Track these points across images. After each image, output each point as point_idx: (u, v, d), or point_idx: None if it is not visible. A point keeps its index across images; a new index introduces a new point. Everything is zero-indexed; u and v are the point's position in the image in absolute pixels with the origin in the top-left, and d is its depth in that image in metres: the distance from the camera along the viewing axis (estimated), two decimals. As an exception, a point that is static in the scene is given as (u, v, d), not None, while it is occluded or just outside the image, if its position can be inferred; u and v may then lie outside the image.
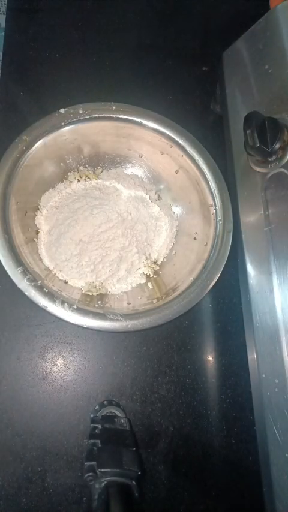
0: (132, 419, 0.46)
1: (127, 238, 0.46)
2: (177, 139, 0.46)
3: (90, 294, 0.45)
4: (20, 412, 0.44)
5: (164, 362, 0.49)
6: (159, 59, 0.62)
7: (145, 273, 0.48)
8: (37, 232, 0.46)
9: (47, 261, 0.45)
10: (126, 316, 0.39)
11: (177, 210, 0.51)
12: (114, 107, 0.45)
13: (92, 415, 0.43)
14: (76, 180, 0.49)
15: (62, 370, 0.46)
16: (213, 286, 0.41)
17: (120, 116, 0.46)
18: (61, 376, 0.46)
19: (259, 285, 0.39)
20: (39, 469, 0.42)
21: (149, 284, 0.48)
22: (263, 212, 0.40)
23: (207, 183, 0.46)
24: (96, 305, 0.42)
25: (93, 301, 0.43)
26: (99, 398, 0.46)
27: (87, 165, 0.50)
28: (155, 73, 0.61)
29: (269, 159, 0.39)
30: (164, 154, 0.49)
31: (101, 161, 0.50)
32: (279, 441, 0.34)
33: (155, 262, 0.49)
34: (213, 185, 0.46)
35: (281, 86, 0.39)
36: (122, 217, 0.46)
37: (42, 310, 0.37)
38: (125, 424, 0.41)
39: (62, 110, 0.44)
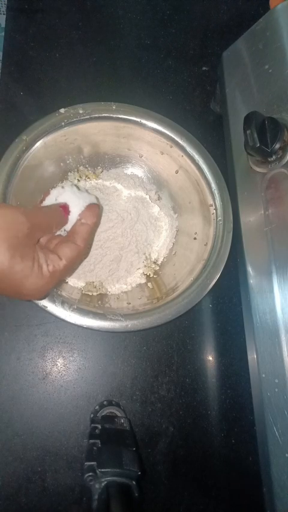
0: (132, 419, 0.46)
1: (127, 238, 0.46)
2: (177, 139, 0.46)
3: (90, 294, 0.45)
4: (20, 412, 0.44)
5: (164, 362, 0.49)
6: (159, 59, 0.62)
7: (145, 273, 0.48)
8: (37, 232, 0.46)
9: (47, 261, 0.45)
10: (126, 316, 0.39)
11: (177, 210, 0.51)
12: (114, 107, 0.45)
13: (92, 415, 0.44)
14: (76, 180, 0.49)
15: (62, 370, 0.46)
16: (213, 286, 0.41)
17: (120, 116, 0.46)
18: (61, 376, 0.46)
19: (259, 285, 0.39)
20: (39, 469, 0.42)
21: (149, 284, 0.48)
22: (263, 212, 0.40)
23: (207, 183, 0.46)
24: (96, 305, 0.42)
25: (93, 301, 0.43)
26: (99, 398, 0.46)
27: (87, 165, 0.50)
28: (155, 73, 0.61)
29: (269, 159, 0.39)
30: (164, 154, 0.49)
31: (101, 161, 0.50)
32: (279, 441, 0.34)
33: (155, 262, 0.49)
34: (213, 185, 0.46)
35: (281, 86, 0.39)
36: (122, 217, 0.46)
37: (42, 310, 0.37)
38: (125, 424, 0.41)
39: (62, 110, 0.44)
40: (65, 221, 0.34)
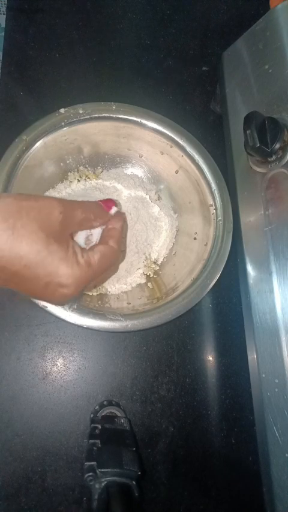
0: (132, 419, 0.46)
1: (127, 238, 0.46)
2: (177, 139, 0.46)
3: (90, 294, 0.45)
4: (20, 412, 0.44)
5: (164, 362, 0.49)
6: (159, 59, 0.62)
7: (145, 273, 0.48)
8: (37, 232, 0.46)
9: (47, 261, 0.45)
10: (126, 316, 0.39)
11: (177, 210, 0.51)
12: (114, 107, 0.45)
13: (92, 415, 0.44)
14: (76, 180, 0.49)
15: (62, 370, 0.46)
16: (213, 286, 0.41)
17: (120, 116, 0.46)
18: (61, 376, 0.46)
19: (259, 285, 0.39)
20: (39, 469, 0.42)
21: (149, 284, 0.48)
22: (263, 212, 0.40)
23: (207, 183, 0.46)
24: (96, 305, 0.42)
25: (93, 301, 0.43)
26: (99, 398, 0.46)
27: (87, 165, 0.50)
28: (155, 73, 0.61)
29: (269, 159, 0.39)
30: (164, 154, 0.49)
31: (101, 161, 0.50)
32: (279, 441, 0.34)
33: (155, 262, 0.49)
34: (213, 185, 0.46)
35: (281, 86, 0.39)
36: (122, 217, 0.46)
37: (42, 310, 0.37)
38: (125, 424, 0.41)
39: (62, 110, 0.44)
40: (106, 215, 0.34)
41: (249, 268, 0.40)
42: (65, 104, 0.44)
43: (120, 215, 0.36)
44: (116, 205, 0.35)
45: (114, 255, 0.33)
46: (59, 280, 0.27)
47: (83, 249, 0.30)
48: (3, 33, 0.58)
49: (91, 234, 0.34)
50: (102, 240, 0.34)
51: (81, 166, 0.49)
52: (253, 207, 0.41)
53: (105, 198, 0.35)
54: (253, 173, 0.42)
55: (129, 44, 0.62)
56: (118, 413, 0.44)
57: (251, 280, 0.40)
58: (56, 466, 0.43)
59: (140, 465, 0.35)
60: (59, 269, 0.27)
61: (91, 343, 0.48)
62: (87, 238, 0.33)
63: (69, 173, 0.49)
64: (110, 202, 0.35)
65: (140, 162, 0.51)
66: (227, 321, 0.51)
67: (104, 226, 0.35)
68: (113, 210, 0.35)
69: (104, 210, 0.34)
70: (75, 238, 0.33)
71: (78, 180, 0.49)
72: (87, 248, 0.33)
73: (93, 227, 0.33)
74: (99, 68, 0.59)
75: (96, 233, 0.34)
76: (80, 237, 0.33)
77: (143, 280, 0.48)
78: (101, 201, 0.34)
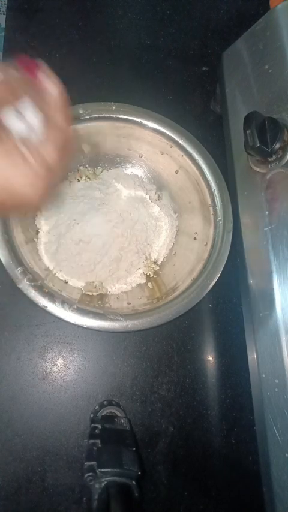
0: (132, 419, 0.46)
1: (127, 238, 0.46)
2: (177, 139, 0.46)
3: (90, 294, 0.45)
4: (20, 412, 0.44)
5: (164, 362, 0.49)
6: (159, 59, 0.62)
7: (145, 273, 0.48)
8: (37, 233, 0.46)
9: (47, 261, 0.45)
10: (126, 316, 0.39)
11: (177, 210, 0.51)
12: (114, 107, 0.45)
13: (92, 415, 0.43)
14: (76, 180, 0.49)
15: (62, 370, 0.46)
16: (213, 286, 0.41)
17: (120, 116, 0.46)
18: (61, 376, 0.46)
19: (259, 285, 0.39)
20: (39, 469, 0.42)
21: (149, 284, 0.48)
22: (263, 212, 0.40)
23: (207, 183, 0.46)
24: (96, 305, 0.42)
25: (93, 301, 0.43)
26: (99, 398, 0.46)
27: (87, 165, 0.50)
28: (155, 73, 0.61)
29: (269, 159, 0.39)
30: (164, 154, 0.49)
31: (101, 161, 0.50)
32: (279, 441, 0.34)
33: (155, 262, 0.49)
34: (213, 185, 0.46)
35: (281, 86, 0.39)
36: (122, 217, 0.46)
37: (42, 310, 0.37)
38: (125, 424, 0.41)
39: (62, 110, 0.44)
40: (32, 81, 0.26)
41: (249, 268, 0.40)
42: (65, 104, 0.44)
43: (51, 78, 0.27)
44: (41, 69, 0.26)
45: (69, 136, 0.26)
46: (17, 189, 0.22)
47: (27, 141, 0.23)
48: (3, 33, 0.58)
49: (22, 108, 0.25)
50: (47, 118, 0.26)
51: (81, 166, 0.50)
52: (253, 207, 0.41)
53: (22, 57, 0.26)
54: (253, 173, 0.42)
55: (129, 44, 0.62)
56: (118, 413, 0.44)
57: (251, 280, 0.40)
58: (56, 466, 0.43)
59: (140, 465, 0.35)
60: (12, 179, 0.22)
61: (91, 343, 0.48)
62: (19, 113, 0.25)
63: (69, 173, 0.49)
64: (30, 63, 0.26)
65: (140, 162, 0.51)
66: (227, 321, 0.51)
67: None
68: (42, 77, 0.26)
69: (26, 74, 0.25)
70: (4, 122, 0.24)
71: (78, 180, 0.49)
72: (28, 128, 0.25)
73: (20, 100, 0.25)
74: (99, 68, 0.59)
75: (29, 106, 0.25)
76: (10, 119, 0.24)
77: (143, 280, 0.48)
78: (17, 61, 0.25)
